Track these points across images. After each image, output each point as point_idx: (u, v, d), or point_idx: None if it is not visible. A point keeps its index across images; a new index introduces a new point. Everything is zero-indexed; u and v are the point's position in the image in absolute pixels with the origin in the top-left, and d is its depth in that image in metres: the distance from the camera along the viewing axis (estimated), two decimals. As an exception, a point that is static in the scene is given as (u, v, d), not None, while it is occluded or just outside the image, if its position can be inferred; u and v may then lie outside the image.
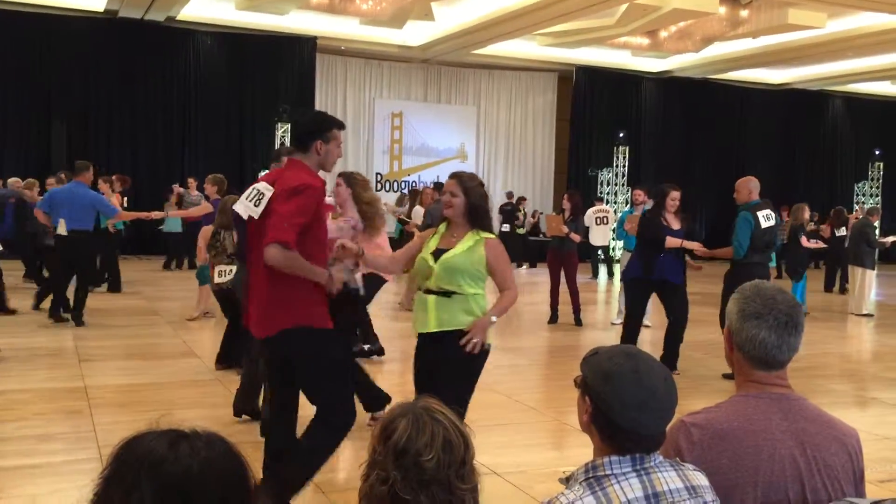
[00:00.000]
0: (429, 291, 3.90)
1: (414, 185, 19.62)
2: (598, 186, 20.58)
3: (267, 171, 3.81)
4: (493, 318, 3.84)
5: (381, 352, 7.72)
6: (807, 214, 12.04)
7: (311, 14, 16.76)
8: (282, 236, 3.38)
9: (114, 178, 13.15)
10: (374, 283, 7.57)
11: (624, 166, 20.86)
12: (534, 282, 15.11)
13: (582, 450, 4.90)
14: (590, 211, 16.36)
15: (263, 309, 3.59)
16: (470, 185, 3.96)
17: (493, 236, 3.97)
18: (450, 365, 3.84)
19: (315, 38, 18.30)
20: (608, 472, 1.75)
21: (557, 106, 21.86)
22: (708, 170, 22.43)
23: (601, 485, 1.73)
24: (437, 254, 3.91)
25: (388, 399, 5.29)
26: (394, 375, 7.38)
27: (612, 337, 9.55)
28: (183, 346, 7.86)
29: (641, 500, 1.71)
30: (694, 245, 7.51)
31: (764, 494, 1.90)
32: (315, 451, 3.69)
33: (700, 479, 1.80)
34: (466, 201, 3.92)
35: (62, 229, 8.93)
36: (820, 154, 23.71)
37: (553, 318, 10.30)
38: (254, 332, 3.73)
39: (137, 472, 1.22)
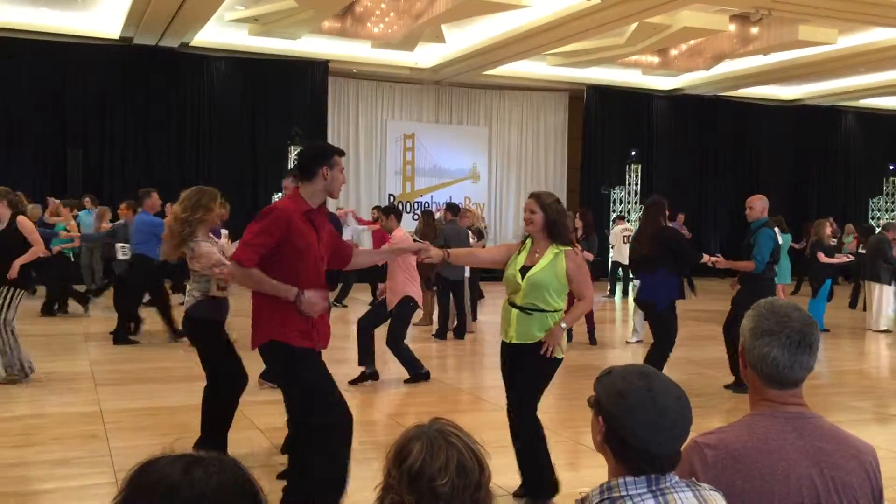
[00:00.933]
0: (513, 305, 4.33)
1: (427, 206, 19.66)
2: (611, 205, 20.56)
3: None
4: (564, 325, 4.30)
5: (375, 376, 7.63)
6: (828, 230, 11.99)
7: (322, 38, 16.91)
8: (238, 255, 3.74)
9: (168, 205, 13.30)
10: (407, 309, 7.57)
11: (636, 184, 20.84)
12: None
13: (597, 470, 4.87)
14: (616, 229, 16.27)
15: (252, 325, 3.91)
16: (547, 202, 4.36)
17: (571, 248, 4.38)
18: (524, 372, 4.34)
19: (327, 61, 18.43)
20: (623, 493, 1.73)
21: (569, 125, 21.89)
22: (720, 187, 22.36)
23: (616, 506, 1.72)
24: (524, 271, 4.31)
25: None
26: (400, 396, 7.36)
27: (628, 356, 9.51)
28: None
29: (657, 521, 1.70)
30: (719, 259, 7.59)
31: (781, 515, 1.88)
32: (319, 470, 3.81)
33: (717, 500, 1.78)
34: (545, 217, 4.31)
35: (121, 255, 9.87)
36: (833, 170, 23.60)
37: (567, 338, 10.25)
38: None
39: (150, 498, 1.23)
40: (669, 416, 1.76)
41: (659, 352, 7.01)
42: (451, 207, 11.67)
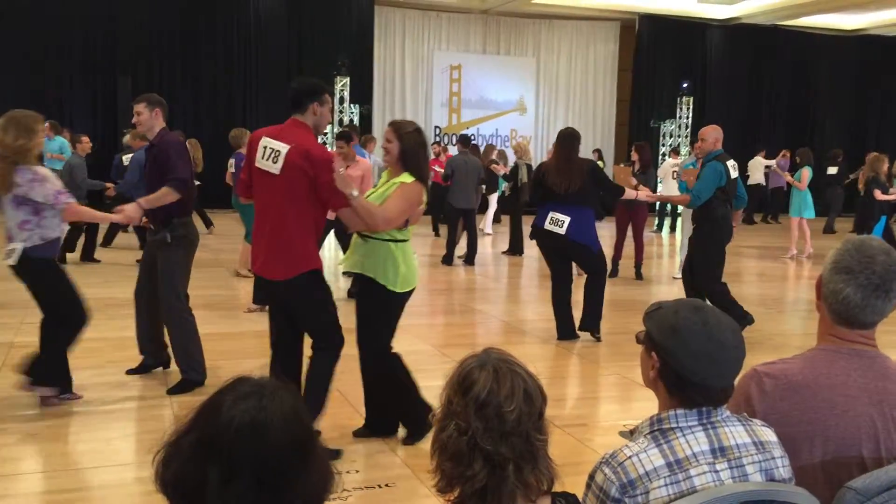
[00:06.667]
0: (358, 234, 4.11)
1: (472, 138, 19.49)
2: (661, 138, 20.17)
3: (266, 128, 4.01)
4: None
5: None
6: (885, 166, 11.62)
7: (369, -35, 16.65)
8: (346, 202, 3.78)
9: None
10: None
11: (687, 117, 20.37)
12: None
13: (643, 403, 4.90)
14: (667, 163, 16.00)
15: (279, 254, 3.85)
16: (406, 131, 4.06)
17: (412, 180, 4.00)
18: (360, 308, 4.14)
19: (373, -11, 18.21)
20: (673, 425, 1.74)
21: (619, 56, 21.38)
22: (775, 120, 21.75)
23: (666, 438, 1.72)
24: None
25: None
26: (445, 328, 7.42)
27: (675, 291, 9.44)
28: (246, 298, 8.03)
29: (707, 453, 1.70)
30: (647, 192, 7.69)
31: (836, 450, 1.87)
32: (327, 376, 4.01)
33: (768, 435, 1.78)
34: (400, 147, 4.03)
35: None
36: (894, 103, 22.77)
37: (613, 272, 10.21)
38: (266, 275, 3.94)
39: (222, 436, 1.28)
40: (726, 349, 1.74)
41: (601, 283, 6.71)
42: (463, 139, 11.76)
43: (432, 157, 15.62)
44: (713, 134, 6.85)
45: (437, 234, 13.79)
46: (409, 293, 4.09)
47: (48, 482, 3.75)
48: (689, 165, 10.54)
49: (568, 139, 6.69)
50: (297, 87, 3.95)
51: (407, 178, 4.01)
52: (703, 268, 6.83)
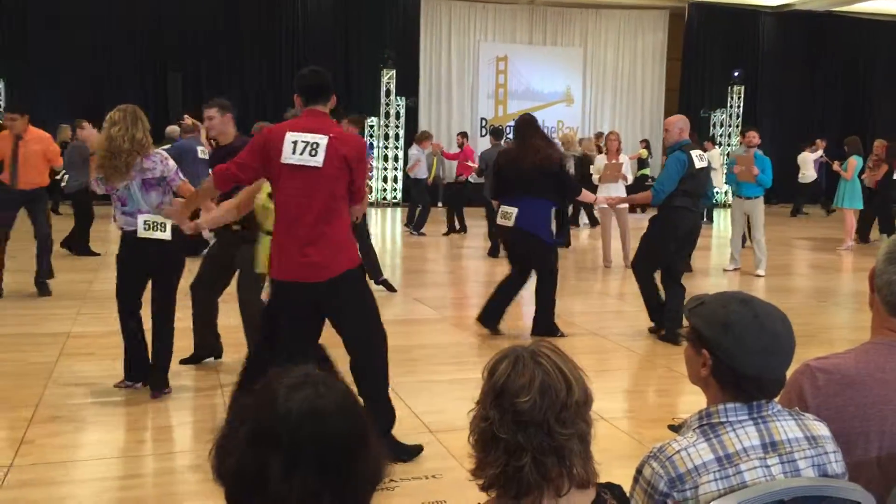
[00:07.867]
0: (268, 233, 4.02)
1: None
2: (711, 128, 19.86)
3: (288, 121, 3.79)
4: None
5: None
6: None
7: (415, -43, 16.66)
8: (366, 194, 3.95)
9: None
10: None
11: (738, 107, 20.02)
12: (642, 227, 14.83)
13: (691, 397, 4.85)
14: (713, 152, 15.78)
15: (326, 253, 3.64)
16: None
17: None
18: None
19: (420, -19, 18.23)
20: (723, 419, 1.72)
21: (668, 45, 21.08)
22: (830, 110, 21.24)
23: (715, 432, 1.70)
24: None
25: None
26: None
27: (724, 283, 9.32)
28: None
29: (758, 448, 1.68)
30: (609, 198, 7.92)
31: (892, 445, 1.83)
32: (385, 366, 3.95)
33: (821, 430, 1.75)
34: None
35: None
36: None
37: (662, 264, 10.09)
38: (310, 277, 3.65)
39: (276, 424, 1.30)
40: (779, 339, 1.72)
41: (552, 283, 6.47)
42: (495, 132, 11.69)
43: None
44: (678, 124, 6.56)
45: (451, 232, 13.64)
46: None
47: (104, 469, 3.85)
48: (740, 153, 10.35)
49: (520, 126, 6.49)
50: (319, 77, 3.80)
51: None
52: (642, 253, 6.67)
